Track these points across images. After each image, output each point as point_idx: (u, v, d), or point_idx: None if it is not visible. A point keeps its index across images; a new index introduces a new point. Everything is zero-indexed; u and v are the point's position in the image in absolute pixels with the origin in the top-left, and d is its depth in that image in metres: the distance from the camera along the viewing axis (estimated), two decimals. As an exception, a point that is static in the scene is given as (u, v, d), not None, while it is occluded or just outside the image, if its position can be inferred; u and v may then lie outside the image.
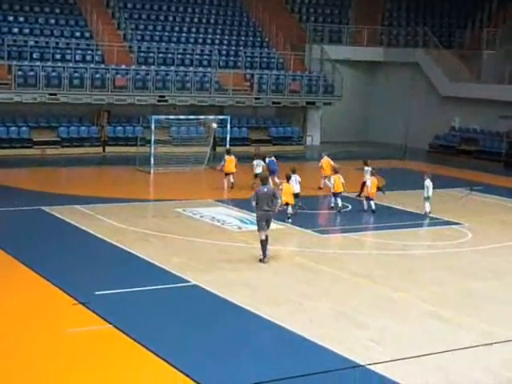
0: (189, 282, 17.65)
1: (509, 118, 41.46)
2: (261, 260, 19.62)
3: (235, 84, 42.63)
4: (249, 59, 45.23)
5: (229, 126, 35.53)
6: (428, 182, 26.27)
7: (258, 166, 29.13)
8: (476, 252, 22.02)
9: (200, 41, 45.34)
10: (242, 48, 45.69)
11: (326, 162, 29.87)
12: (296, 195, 25.02)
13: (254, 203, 19.80)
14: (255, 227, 20.77)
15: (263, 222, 19.61)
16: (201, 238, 22.02)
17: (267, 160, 29.55)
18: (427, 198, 26.24)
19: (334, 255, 20.98)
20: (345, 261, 20.36)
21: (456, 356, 13.92)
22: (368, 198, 26.55)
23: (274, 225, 23.63)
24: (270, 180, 24.45)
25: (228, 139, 34.60)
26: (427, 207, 26.25)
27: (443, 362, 13.62)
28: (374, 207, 26.32)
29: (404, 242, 22.79)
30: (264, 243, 19.57)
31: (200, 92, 41.48)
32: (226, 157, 29.99)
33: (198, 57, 43.72)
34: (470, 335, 15.01)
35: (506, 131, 41.59)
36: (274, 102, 43.95)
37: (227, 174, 29.78)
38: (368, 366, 13.14)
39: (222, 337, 14.47)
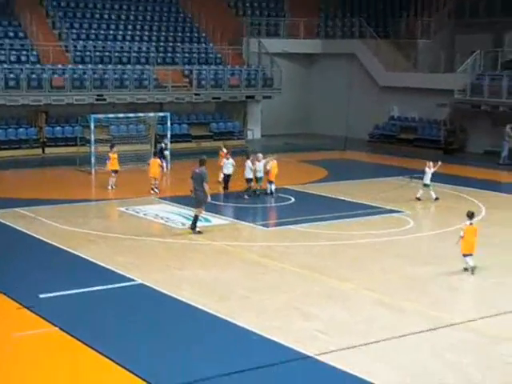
0: (135, 280, 17.55)
1: (446, 106, 42.06)
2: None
3: (174, 81, 42.45)
4: (187, 55, 45.10)
5: (169, 122, 35.30)
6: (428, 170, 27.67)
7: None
8: (418, 239, 22.35)
9: (137, 38, 45.07)
10: (179, 44, 45.55)
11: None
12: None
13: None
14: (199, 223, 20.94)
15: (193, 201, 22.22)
16: (145, 236, 21.91)
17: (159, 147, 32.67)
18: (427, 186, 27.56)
19: (280, 248, 21.06)
20: (291, 253, 20.42)
21: (403, 342, 14.10)
22: (270, 182, 28.06)
23: (219, 220, 23.83)
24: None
25: (169, 136, 34.39)
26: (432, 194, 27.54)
27: (391, 348, 13.79)
28: (273, 190, 28.07)
29: (348, 231, 22.97)
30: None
31: (139, 90, 41.19)
32: (111, 154, 29.60)
33: (135, 54, 43.45)
34: (416, 321, 15.20)
35: (443, 119, 42.17)
36: (213, 98, 43.86)
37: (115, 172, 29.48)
38: (316, 357, 13.24)
39: (170, 334, 14.42)
